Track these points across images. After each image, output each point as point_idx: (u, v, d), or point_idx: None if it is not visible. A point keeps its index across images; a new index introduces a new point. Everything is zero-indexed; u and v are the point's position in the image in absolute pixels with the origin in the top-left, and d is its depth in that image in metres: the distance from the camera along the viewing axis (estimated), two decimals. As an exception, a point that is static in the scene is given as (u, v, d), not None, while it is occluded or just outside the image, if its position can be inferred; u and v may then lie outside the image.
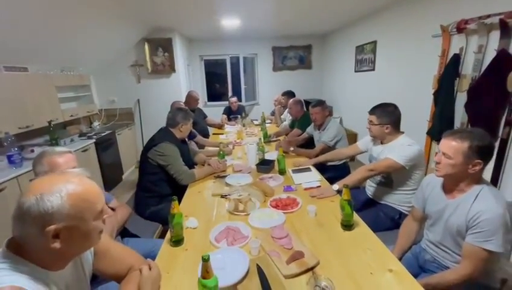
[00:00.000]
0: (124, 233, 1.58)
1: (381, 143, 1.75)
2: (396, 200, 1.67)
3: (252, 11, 3.41)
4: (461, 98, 2.23)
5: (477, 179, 1.10)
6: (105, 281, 1.13)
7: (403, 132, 1.70)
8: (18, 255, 0.63)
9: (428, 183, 1.31)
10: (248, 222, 1.35)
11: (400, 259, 1.34)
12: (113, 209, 1.43)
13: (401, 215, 1.64)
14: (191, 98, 3.61)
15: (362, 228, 1.27)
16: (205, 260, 0.78)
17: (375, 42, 3.56)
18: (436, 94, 2.43)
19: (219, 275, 0.95)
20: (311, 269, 1.01)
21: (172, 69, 4.32)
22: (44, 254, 0.64)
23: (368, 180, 1.86)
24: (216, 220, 1.40)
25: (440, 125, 2.37)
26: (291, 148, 2.46)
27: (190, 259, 1.09)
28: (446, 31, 2.34)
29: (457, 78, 2.27)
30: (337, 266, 1.02)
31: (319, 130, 2.60)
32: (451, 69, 2.28)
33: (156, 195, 1.91)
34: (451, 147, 1.09)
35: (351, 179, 1.64)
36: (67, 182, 0.64)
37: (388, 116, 1.65)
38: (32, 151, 2.44)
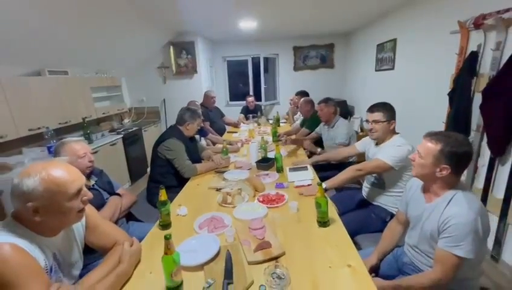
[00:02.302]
0: (129, 217, 1.80)
1: (377, 144, 1.74)
2: (387, 201, 1.65)
3: (273, 13, 3.49)
4: (479, 99, 2.08)
5: (452, 184, 1.08)
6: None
7: (398, 133, 1.67)
8: (19, 223, 0.82)
9: (410, 186, 1.30)
10: (232, 213, 1.46)
11: (381, 260, 1.35)
12: (119, 195, 1.64)
13: (392, 217, 1.61)
14: (207, 98, 3.81)
15: (337, 225, 1.30)
16: (167, 239, 0.90)
17: (395, 40, 3.41)
18: (452, 94, 2.29)
19: (190, 257, 1.08)
20: (275, 258, 1.09)
21: (194, 70, 4.58)
22: (34, 224, 0.81)
23: (364, 181, 1.86)
24: (205, 210, 1.53)
25: (455, 128, 2.23)
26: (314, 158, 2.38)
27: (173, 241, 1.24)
28: (464, 27, 2.19)
29: (475, 78, 2.13)
30: (301, 259, 1.09)
31: (327, 127, 2.64)
32: (467, 67, 2.13)
33: (164, 186, 2.11)
34: (426, 147, 1.09)
35: (338, 178, 1.66)
36: (44, 168, 0.81)
37: (392, 112, 1.64)
38: (68, 143, 2.81)
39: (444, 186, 1.09)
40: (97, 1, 2.46)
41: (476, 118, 2.11)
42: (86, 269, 1.09)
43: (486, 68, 2.03)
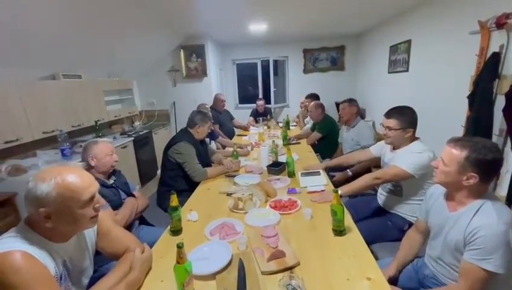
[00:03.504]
0: (141, 221, 1.79)
1: (393, 149, 1.67)
2: (405, 210, 1.58)
3: (283, 15, 3.46)
4: (501, 102, 1.99)
5: (480, 193, 1.01)
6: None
7: (418, 138, 1.60)
8: (31, 229, 0.81)
9: (431, 194, 1.24)
10: (244, 219, 1.42)
11: (400, 271, 1.29)
12: (134, 195, 1.66)
13: (410, 226, 1.54)
14: (217, 101, 3.81)
15: (354, 234, 1.25)
16: (179, 247, 0.87)
17: (409, 41, 3.32)
18: (472, 97, 2.19)
19: (201, 265, 1.05)
20: (290, 268, 1.05)
21: (204, 73, 4.59)
22: (45, 229, 0.80)
23: (380, 188, 1.79)
24: (216, 215, 1.50)
25: (475, 132, 2.13)
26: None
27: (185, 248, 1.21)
28: (484, 27, 2.10)
29: (497, 80, 2.03)
30: (316, 269, 1.04)
31: (346, 128, 2.65)
32: (489, 69, 2.04)
33: (173, 190, 2.09)
34: (450, 154, 1.03)
35: (355, 185, 1.60)
36: (59, 174, 0.80)
37: (409, 120, 1.55)
38: (81, 146, 2.85)
39: (470, 195, 1.02)
40: (110, 8, 2.49)
41: (498, 122, 2.01)
42: (96, 272, 1.07)
43: (509, 70, 1.94)
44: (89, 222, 0.87)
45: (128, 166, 3.54)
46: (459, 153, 1.00)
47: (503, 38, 1.98)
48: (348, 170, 2.26)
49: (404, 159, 1.48)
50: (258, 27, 3.94)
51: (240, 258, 1.10)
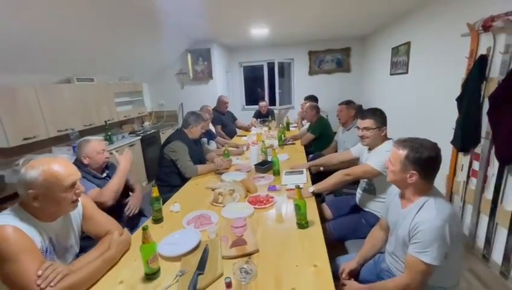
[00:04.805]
0: (140, 214, 1.96)
1: (369, 150, 1.73)
2: (377, 207, 1.64)
3: (287, 19, 3.57)
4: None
5: (424, 190, 1.08)
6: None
7: (390, 138, 1.65)
8: (23, 208, 0.98)
9: (390, 192, 1.31)
10: (221, 212, 1.55)
11: (362, 265, 1.36)
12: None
13: (381, 224, 1.60)
14: (220, 102, 3.97)
15: (316, 228, 1.34)
16: (144, 229, 1.02)
17: (408, 43, 3.31)
18: (460, 100, 2.19)
19: (170, 248, 1.19)
20: (248, 255, 1.16)
21: (210, 76, 4.78)
22: (34, 209, 0.97)
23: (358, 188, 1.85)
24: (197, 208, 1.63)
25: (462, 135, 2.14)
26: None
27: (162, 234, 1.35)
28: (473, 30, 2.10)
29: (485, 82, 2.03)
30: (272, 256, 1.14)
31: (342, 129, 2.69)
32: (476, 71, 2.04)
33: (167, 185, 2.26)
34: (395, 154, 1.11)
35: (328, 182, 1.68)
36: (46, 163, 0.96)
37: (383, 119, 1.63)
38: (91, 144, 3.11)
39: (416, 193, 1.09)
40: (121, 15, 2.72)
41: (486, 124, 2.00)
42: (83, 253, 1.24)
43: (495, 72, 1.93)
44: (70, 206, 1.03)
45: (135, 163, 3.77)
46: (401, 153, 1.07)
47: (490, 40, 1.97)
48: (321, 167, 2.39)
49: (375, 158, 1.55)
50: (260, 31, 4.06)
51: (207, 245, 1.23)
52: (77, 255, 1.17)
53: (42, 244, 0.98)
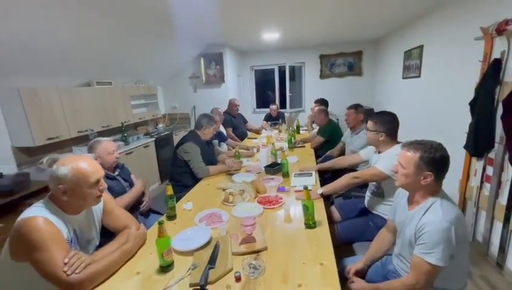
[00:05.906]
0: (150, 211, 2.05)
1: (378, 152, 1.75)
2: (386, 210, 1.64)
3: (298, 24, 3.63)
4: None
5: (433, 192, 1.10)
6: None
7: (399, 142, 1.67)
8: (52, 201, 1.07)
9: (398, 194, 1.32)
10: (231, 211, 1.61)
11: (369, 267, 1.38)
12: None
13: (389, 227, 1.61)
14: (231, 105, 4.05)
15: (323, 228, 1.37)
16: (160, 224, 1.09)
17: (421, 47, 3.28)
18: (473, 104, 2.17)
19: (183, 243, 1.26)
20: (257, 252, 1.21)
21: (222, 79, 4.89)
22: (62, 203, 1.06)
23: (367, 191, 1.86)
24: (208, 207, 1.70)
25: (475, 139, 2.11)
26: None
27: (175, 231, 1.42)
28: (487, 34, 2.08)
29: (499, 86, 2.00)
30: (280, 254, 1.19)
31: (351, 133, 2.71)
32: (490, 75, 2.02)
33: (180, 184, 2.34)
34: (406, 157, 1.13)
35: (336, 184, 1.71)
36: (75, 161, 1.05)
37: (383, 125, 1.65)
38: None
39: (425, 195, 1.10)
40: (138, 22, 2.86)
41: (499, 129, 1.97)
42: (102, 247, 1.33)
43: (510, 76, 1.91)
44: (94, 200, 1.12)
45: (149, 164, 3.91)
46: (413, 155, 1.09)
47: (504, 44, 1.95)
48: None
49: (383, 161, 1.57)
50: (271, 36, 4.13)
51: (218, 241, 1.29)
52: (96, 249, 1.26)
53: (68, 235, 1.06)
